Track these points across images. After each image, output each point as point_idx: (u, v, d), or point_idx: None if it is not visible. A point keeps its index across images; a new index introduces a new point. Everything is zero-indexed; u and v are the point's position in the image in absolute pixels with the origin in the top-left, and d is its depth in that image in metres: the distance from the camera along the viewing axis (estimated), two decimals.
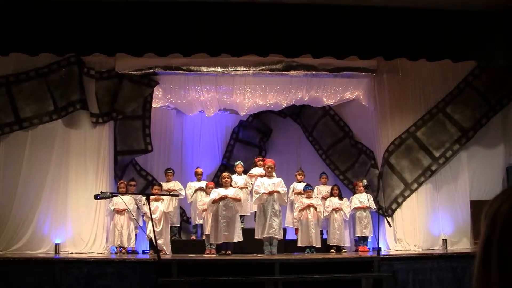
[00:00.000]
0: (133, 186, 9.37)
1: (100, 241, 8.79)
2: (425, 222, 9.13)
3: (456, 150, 9.36)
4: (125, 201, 8.61)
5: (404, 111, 9.47)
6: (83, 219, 8.75)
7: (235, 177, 9.17)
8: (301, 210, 8.81)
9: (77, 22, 7.72)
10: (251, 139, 11.68)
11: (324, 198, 9.42)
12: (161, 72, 9.27)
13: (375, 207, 8.94)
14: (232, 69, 9.12)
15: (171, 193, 8.97)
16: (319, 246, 8.73)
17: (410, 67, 9.22)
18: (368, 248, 9.12)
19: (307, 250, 8.64)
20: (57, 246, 8.50)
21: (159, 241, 8.44)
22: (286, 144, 11.76)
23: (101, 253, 8.53)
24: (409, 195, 9.20)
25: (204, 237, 8.78)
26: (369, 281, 7.02)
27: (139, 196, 9.12)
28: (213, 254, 8.28)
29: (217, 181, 9.82)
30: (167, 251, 8.68)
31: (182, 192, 9.72)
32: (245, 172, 9.72)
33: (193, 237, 9.97)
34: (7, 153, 8.77)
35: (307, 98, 10.20)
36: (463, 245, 9.04)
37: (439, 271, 7.25)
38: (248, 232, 8.45)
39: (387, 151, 9.38)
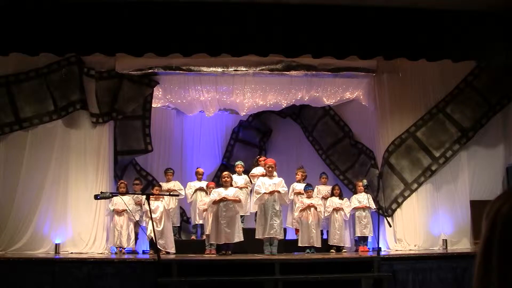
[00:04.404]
0: (137, 186, 9.35)
1: (100, 241, 8.79)
2: (425, 222, 9.13)
3: (456, 150, 9.36)
4: (125, 201, 8.61)
5: (404, 111, 9.47)
6: (83, 219, 8.75)
7: (235, 177, 9.17)
8: (302, 210, 8.81)
9: (77, 22, 7.72)
10: (251, 139, 11.68)
11: (324, 198, 9.42)
12: (161, 72, 9.27)
13: (374, 207, 8.94)
14: (232, 69, 9.12)
15: (171, 193, 8.98)
16: (319, 245, 8.73)
17: (410, 67, 9.22)
18: (368, 248, 9.12)
19: (307, 250, 8.63)
20: (57, 246, 8.49)
21: (160, 241, 8.45)
22: (286, 144, 11.75)
23: (101, 253, 8.53)
24: (409, 195, 9.20)
25: (204, 237, 8.78)
26: (369, 281, 7.02)
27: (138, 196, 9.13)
28: (213, 254, 8.27)
29: (218, 181, 9.82)
30: (171, 250, 8.68)
31: (182, 192, 9.72)
32: (245, 172, 9.72)
33: (193, 237, 9.97)
34: (7, 153, 8.77)
35: (307, 98, 10.19)
36: (463, 245, 9.04)
37: (439, 271, 7.25)
38: (248, 232, 8.44)
39: (387, 151, 9.38)
